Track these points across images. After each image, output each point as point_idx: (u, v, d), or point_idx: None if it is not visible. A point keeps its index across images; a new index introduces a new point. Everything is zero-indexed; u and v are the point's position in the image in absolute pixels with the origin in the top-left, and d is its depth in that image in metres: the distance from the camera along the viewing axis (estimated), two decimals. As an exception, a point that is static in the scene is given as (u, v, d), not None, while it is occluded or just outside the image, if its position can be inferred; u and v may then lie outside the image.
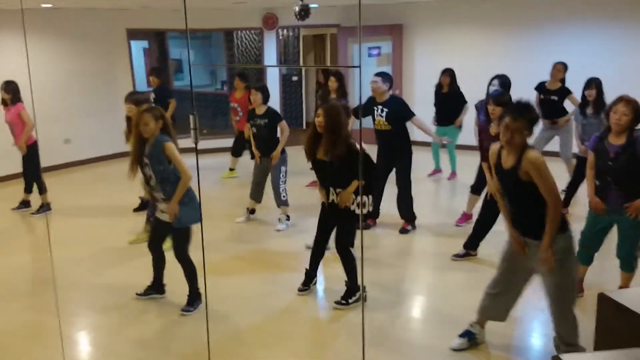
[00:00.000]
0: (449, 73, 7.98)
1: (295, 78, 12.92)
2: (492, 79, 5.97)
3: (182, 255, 4.33)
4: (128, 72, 10.37)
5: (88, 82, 9.94)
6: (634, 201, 3.98)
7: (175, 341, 4.08)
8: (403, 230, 6.13)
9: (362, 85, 3.29)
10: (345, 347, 3.97)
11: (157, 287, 4.67)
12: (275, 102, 11.22)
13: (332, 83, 7.17)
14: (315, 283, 4.80)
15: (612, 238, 4.28)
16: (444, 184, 8.31)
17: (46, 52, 9.23)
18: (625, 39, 8.92)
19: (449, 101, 8.00)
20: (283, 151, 6.25)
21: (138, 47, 12.14)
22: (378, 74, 5.92)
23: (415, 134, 6.67)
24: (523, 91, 5.72)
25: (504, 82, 5.86)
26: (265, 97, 6.25)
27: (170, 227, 4.30)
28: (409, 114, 5.89)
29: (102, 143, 10.07)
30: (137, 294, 4.67)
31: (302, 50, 12.80)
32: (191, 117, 2.99)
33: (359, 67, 2.89)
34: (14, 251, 5.96)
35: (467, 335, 3.82)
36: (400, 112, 5.84)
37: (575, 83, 6.98)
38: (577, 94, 6.80)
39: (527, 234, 3.44)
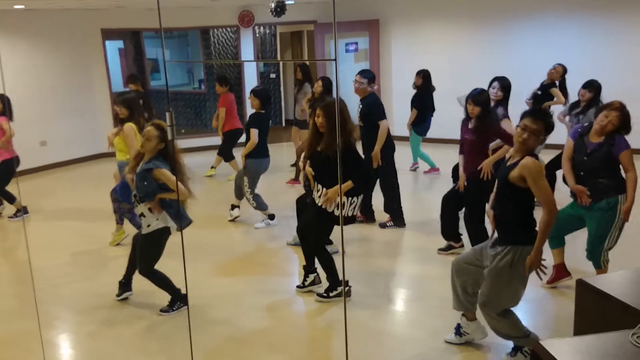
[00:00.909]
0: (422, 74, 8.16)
1: (273, 75, 12.89)
2: (492, 80, 5.85)
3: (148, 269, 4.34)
4: (104, 73, 10.25)
5: (63, 83, 9.81)
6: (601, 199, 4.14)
7: (156, 342, 4.05)
8: (382, 225, 6.16)
9: (338, 80, 3.29)
10: (330, 341, 3.98)
11: (128, 284, 4.65)
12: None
13: (318, 87, 7.18)
14: (314, 282, 4.69)
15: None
16: (431, 178, 8.37)
17: (19, 54, 9.09)
18: (613, 31, 8.99)
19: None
20: (253, 159, 6.16)
21: (113, 47, 12.01)
22: (360, 72, 5.95)
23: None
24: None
25: (504, 84, 5.78)
26: (263, 101, 6.20)
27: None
28: (379, 117, 5.86)
29: (78, 145, 9.96)
30: (116, 296, 4.64)
31: (280, 47, 12.78)
32: (167, 114, 2.97)
33: (335, 60, 2.84)
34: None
35: (457, 329, 3.84)
36: (372, 111, 5.85)
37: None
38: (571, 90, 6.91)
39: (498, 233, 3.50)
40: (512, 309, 3.49)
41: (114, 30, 10.72)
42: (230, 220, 6.53)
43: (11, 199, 6.85)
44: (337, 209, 4.33)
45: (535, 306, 4.36)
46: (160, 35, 11.68)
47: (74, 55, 9.91)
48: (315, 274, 4.68)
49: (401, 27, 10.73)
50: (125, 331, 4.20)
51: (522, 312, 4.18)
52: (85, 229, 6.55)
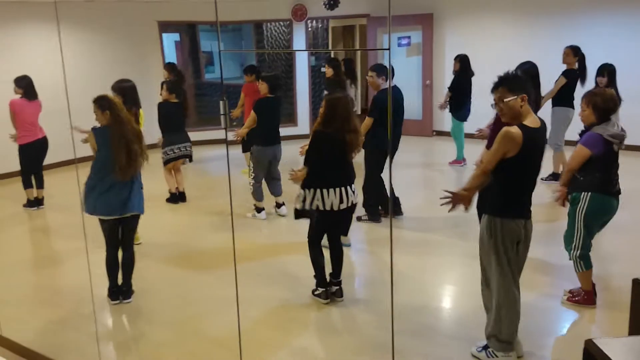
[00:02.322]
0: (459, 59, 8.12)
1: (324, 69, 12.91)
2: (516, 68, 5.73)
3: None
4: (160, 65, 10.50)
5: (120, 74, 10.04)
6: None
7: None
8: (357, 218, 6.04)
9: (389, 71, 3.27)
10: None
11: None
12: (304, 93, 11.29)
13: (327, 69, 7.12)
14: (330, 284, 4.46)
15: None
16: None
17: (78, 45, 9.40)
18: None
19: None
20: (256, 146, 6.16)
21: (170, 40, 12.29)
22: (373, 68, 5.87)
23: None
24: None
25: (525, 70, 5.63)
26: (271, 86, 6.12)
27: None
28: (370, 113, 5.77)
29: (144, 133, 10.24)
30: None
31: (331, 41, 12.79)
32: (221, 103, 3.04)
33: (389, 49, 2.83)
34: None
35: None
36: (376, 106, 5.74)
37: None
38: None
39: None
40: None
41: (171, 23, 10.98)
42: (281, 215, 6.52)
43: (27, 185, 7.00)
44: (297, 203, 4.30)
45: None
46: (215, 28, 11.88)
47: (131, 47, 10.21)
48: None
49: (456, 22, 10.57)
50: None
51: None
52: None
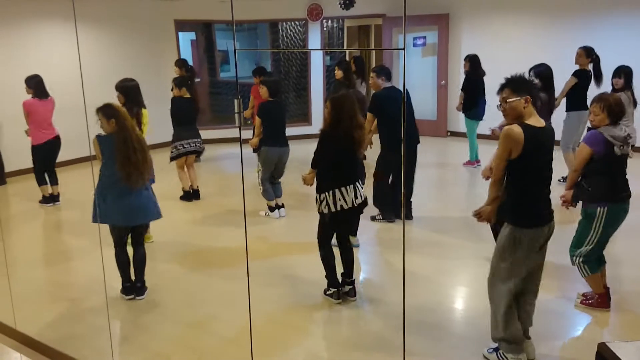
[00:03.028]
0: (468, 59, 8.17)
1: (338, 69, 12.89)
2: (529, 70, 5.69)
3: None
4: (176, 64, 10.58)
5: (136, 72, 10.11)
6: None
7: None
8: (372, 218, 6.16)
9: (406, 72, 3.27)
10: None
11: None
12: (319, 92, 11.29)
13: (337, 71, 7.16)
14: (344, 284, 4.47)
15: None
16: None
17: (94, 43, 9.49)
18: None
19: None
20: (264, 147, 6.21)
21: (186, 38, 12.36)
22: (373, 69, 5.94)
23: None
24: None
25: (539, 72, 5.59)
26: (271, 90, 6.17)
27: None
28: (369, 109, 5.79)
29: (148, 133, 10.31)
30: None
31: (347, 41, 12.78)
32: (235, 101, 3.05)
33: (404, 49, 2.82)
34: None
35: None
36: (374, 105, 5.77)
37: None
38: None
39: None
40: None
41: (187, 22, 11.04)
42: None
43: (41, 182, 7.08)
44: (318, 204, 4.29)
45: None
46: (231, 27, 11.93)
47: (147, 45, 10.28)
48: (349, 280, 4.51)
49: (472, 22, 10.51)
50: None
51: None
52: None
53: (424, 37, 11.19)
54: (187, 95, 6.94)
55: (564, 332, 3.99)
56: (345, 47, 12.74)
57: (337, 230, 4.43)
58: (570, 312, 4.17)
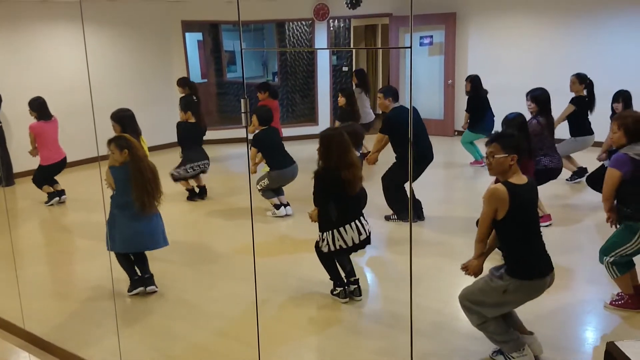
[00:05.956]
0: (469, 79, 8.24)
1: (345, 69, 12.90)
2: (526, 94, 5.76)
3: None
4: (183, 64, 10.60)
5: (143, 73, 10.22)
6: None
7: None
8: (385, 217, 6.22)
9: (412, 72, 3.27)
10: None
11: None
12: (325, 92, 11.29)
13: (340, 99, 7.20)
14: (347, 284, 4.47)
15: None
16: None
17: (101, 44, 9.52)
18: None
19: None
20: (273, 169, 6.28)
21: (193, 39, 12.40)
22: (381, 90, 6.07)
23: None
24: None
25: (535, 96, 5.66)
26: (261, 120, 6.27)
27: None
28: (380, 129, 5.91)
29: (156, 134, 10.33)
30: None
31: (353, 40, 12.76)
32: (242, 101, 3.05)
33: (410, 47, 2.82)
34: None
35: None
36: (386, 124, 5.88)
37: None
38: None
39: None
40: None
41: (194, 23, 11.06)
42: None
43: (40, 186, 7.15)
44: (323, 247, 4.27)
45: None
46: (238, 28, 11.96)
47: (154, 46, 10.31)
48: (354, 280, 4.50)
49: (479, 21, 10.47)
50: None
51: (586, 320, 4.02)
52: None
53: (431, 36, 11.16)
54: (192, 120, 7.00)
55: (593, 333, 3.95)
56: (351, 47, 12.73)
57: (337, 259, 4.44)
58: (600, 313, 4.12)
